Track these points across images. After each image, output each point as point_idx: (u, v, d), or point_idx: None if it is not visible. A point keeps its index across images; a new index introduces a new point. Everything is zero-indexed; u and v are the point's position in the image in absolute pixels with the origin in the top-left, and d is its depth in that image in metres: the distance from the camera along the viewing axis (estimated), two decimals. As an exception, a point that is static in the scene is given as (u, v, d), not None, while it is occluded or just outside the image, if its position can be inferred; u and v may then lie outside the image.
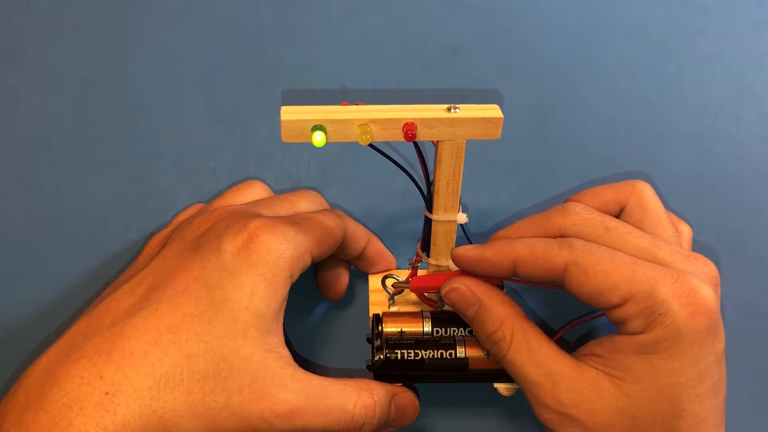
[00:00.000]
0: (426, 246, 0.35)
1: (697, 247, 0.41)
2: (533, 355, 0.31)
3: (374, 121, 0.29)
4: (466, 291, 0.32)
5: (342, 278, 0.38)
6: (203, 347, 0.29)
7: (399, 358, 0.33)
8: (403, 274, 0.37)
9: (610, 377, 0.30)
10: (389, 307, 0.37)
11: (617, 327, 0.31)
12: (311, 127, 0.29)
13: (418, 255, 0.36)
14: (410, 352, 0.33)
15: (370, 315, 0.36)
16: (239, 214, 0.33)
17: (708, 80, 0.45)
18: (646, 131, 0.44)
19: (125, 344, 0.29)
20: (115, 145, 0.42)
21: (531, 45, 0.45)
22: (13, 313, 0.39)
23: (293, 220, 0.33)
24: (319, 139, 0.29)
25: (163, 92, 0.44)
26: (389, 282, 0.37)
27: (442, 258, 0.35)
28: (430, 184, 0.33)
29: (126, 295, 0.31)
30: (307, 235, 0.33)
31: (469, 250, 0.32)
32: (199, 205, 0.39)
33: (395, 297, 0.37)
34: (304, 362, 0.38)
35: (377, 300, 0.37)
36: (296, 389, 0.30)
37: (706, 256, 0.40)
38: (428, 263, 0.36)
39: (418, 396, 0.34)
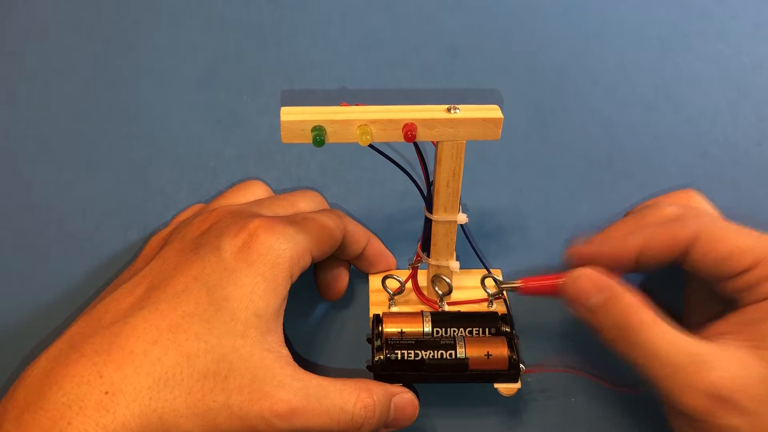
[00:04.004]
0: (426, 246, 0.35)
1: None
2: (673, 337, 0.30)
3: (374, 122, 0.29)
4: (597, 277, 0.32)
5: (342, 278, 0.38)
6: (203, 347, 0.29)
7: (399, 358, 0.33)
8: (403, 274, 0.37)
9: (751, 349, 0.29)
10: (389, 308, 0.37)
11: (740, 298, 0.31)
12: (311, 127, 0.29)
13: (418, 255, 0.36)
14: (410, 353, 0.33)
15: (371, 315, 0.36)
16: (239, 214, 0.33)
17: (706, 82, 0.45)
18: (644, 132, 0.44)
19: (125, 343, 0.29)
20: (115, 145, 0.42)
21: (530, 46, 0.46)
22: (13, 313, 0.39)
23: (293, 220, 0.33)
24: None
25: (163, 92, 0.44)
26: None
27: (442, 258, 0.35)
28: (430, 184, 0.33)
29: (125, 294, 0.31)
30: (306, 235, 0.33)
31: (588, 244, 0.33)
32: (199, 205, 0.39)
33: (395, 297, 0.37)
34: (304, 362, 0.38)
35: (377, 300, 0.37)
36: (296, 389, 0.30)
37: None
38: (428, 263, 0.36)
39: (418, 396, 0.34)
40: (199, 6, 0.46)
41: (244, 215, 0.33)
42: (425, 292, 0.37)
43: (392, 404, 0.32)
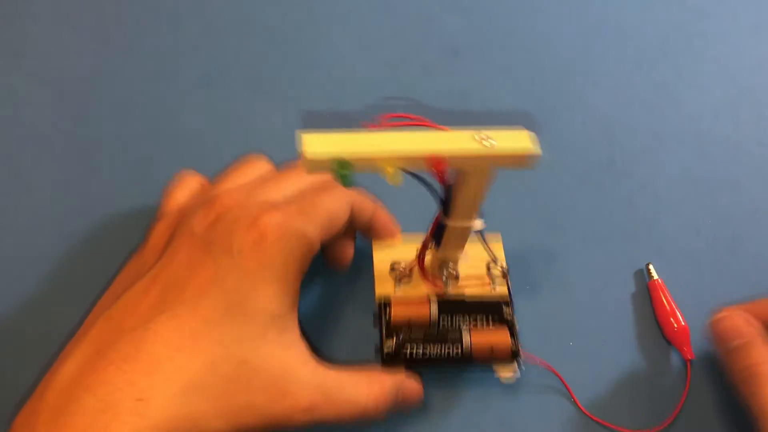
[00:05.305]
0: (436, 237, 0.35)
1: (696, 248, 0.41)
2: None
3: (403, 159, 0.27)
4: (740, 322, 0.35)
5: (348, 250, 0.38)
6: (225, 352, 0.30)
7: (407, 355, 0.35)
8: (407, 245, 0.37)
9: None
10: (395, 287, 0.37)
11: None
12: (337, 164, 0.27)
13: (426, 243, 0.35)
14: (418, 350, 0.35)
15: (375, 290, 0.37)
16: (246, 205, 0.33)
17: (706, 82, 0.45)
18: (645, 132, 0.44)
19: (150, 350, 0.29)
20: (115, 145, 0.42)
21: (531, 46, 0.46)
22: (13, 313, 0.39)
23: (301, 209, 0.33)
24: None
25: (163, 92, 0.44)
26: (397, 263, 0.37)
27: (451, 252, 0.35)
28: (448, 187, 0.30)
29: (140, 294, 0.31)
30: (316, 223, 0.33)
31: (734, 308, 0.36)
32: (195, 180, 0.38)
33: (402, 280, 0.37)
34: (312, 342, 0.38)
35: (382, 275, 0.37)
36: (315, 386, 0.31)
37: (705, 258, 0.41)
38: (437, 254, 0.36)
39: (421, 377, 0.36)
40: (199, 6, 0.46)
41: (252, 206, 0.32)
42: (430, 270, 0.37)
43: (400, 393, 0.34)
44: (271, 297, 0.31)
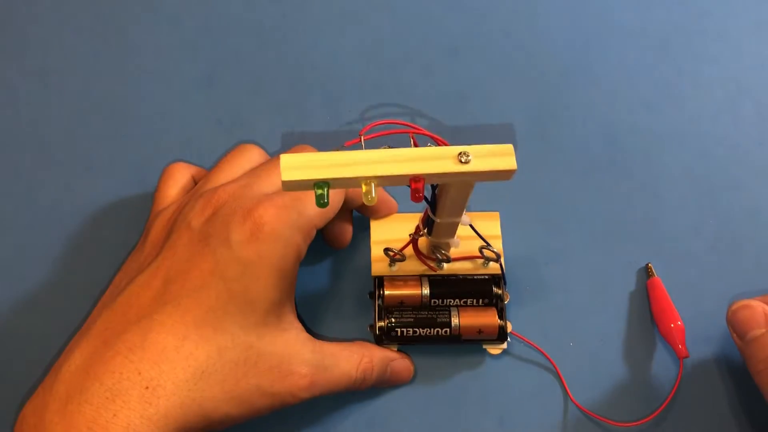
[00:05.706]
0: (427, 227, 0.35)
1: (696, 248, 0.41)
2: None
3: (380, 178, 0.27)
4: (759, 312, 0.34)
5: (347, 229, 0.39)
6: (230, 338, 0.31)
7: (399, 335, 0.36)
8: (404, 222, 0.38)
9: None
10: (389, 266, 0.38)
11: None
12: (314, 185, 0.27)
13: (419, 229, 0.36)
14: (409, 330, 0.36)
15: (372, 268, 0.38)
16: (241, 197, 0.33)
17: (707, 81, 0.45)
18: (645, 132, 0.44)
19: (155, 340, 0.30)
20: (115, 145, 0.42)
21: (531, 46, 0.46)
22: (14, 312, 0.39)
23: (296, 199, 0.33)
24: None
25: (163, 92, 0.44)
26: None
27: (443, 238, 0.35)
28: (434, 187, 0.32)
29: (143, 287, 0.32)
30: (310, 213, 0.33)
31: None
32: (185, 172, 0.39)
33: (396, 263, 0.38)
34: (310, 319, 0.39)
35: (379, 252, 0.38)
36: (315, 364, 0.33)
37: (705, 257, 0.41)
38: (429, 239, 0.36)
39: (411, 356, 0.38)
40: (199, 6, 0.46)
41: (247, 198, 0.33)
42: (424, 251, 0.37)
43: (389, 369, 0.37)
44: (270, 285, 0.32)
